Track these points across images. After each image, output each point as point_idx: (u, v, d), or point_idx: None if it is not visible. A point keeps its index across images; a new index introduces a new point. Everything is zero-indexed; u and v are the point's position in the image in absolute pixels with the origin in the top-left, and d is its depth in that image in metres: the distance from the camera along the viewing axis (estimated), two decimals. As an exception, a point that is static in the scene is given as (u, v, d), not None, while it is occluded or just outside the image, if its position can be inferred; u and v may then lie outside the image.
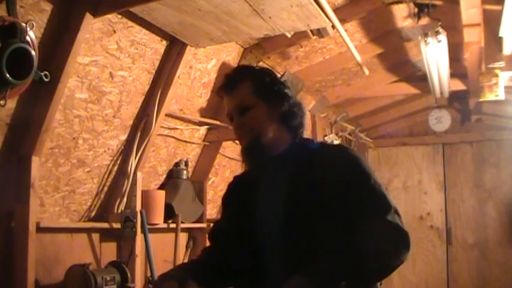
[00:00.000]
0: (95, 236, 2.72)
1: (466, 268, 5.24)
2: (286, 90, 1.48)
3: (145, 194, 2.92)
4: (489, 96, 3.90)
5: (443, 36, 3.26)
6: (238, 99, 1.46)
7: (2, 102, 1.83)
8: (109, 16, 2.24)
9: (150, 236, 2.85)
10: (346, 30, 3.06)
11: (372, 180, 1.36)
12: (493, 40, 3.25)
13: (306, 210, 1.32)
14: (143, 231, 2.80)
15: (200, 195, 3.48)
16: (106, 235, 2.77)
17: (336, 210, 1.30)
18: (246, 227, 1.41)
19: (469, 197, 5.37)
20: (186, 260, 3.47)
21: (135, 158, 2.77)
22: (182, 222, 3.19)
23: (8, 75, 1.78)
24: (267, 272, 1.35)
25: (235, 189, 1.60)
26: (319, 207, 1.31)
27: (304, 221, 1.31)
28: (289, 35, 2.82)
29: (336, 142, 4.36)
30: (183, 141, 3.24)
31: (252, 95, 1.45)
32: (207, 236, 1.73)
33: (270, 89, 1.47)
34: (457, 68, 4.06)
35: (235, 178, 1.63)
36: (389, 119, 5.54)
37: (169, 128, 3.06)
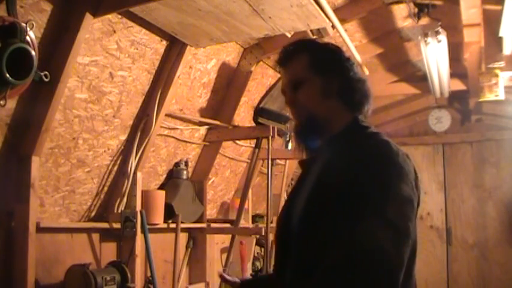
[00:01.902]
0: (95, 236, 2.72)
1: (466, 268, 5.23)
2: (346, 64, 1.33)
3: (145, 194, 2.92)
4: (489, 96, 3.90)
5: (443, 36, 3.26)
6: (291, 74, 1.33)
7: (2, 102, 1.83)
8: (109, 16, 2.24)
9: (150, 236, 2.85)
10: (346, 30, 3.07)
11: (378, 182, 1.11)
12: (493, 40, 3.26)
13: (320, 208, 1.18)
14: (143, 231, 2.80)
15: (200, 195, 3.48)
16: (106, 235, 2.77)
17: (342, 213, 1.11)
18: (281, 216, 1.34)
19: (469, 197, 5.36)
20: (186, 260, 3.47)
21: (135, 158, 2.77)
22: (182, 222, 3.19)
23: (8, 75, 1.78)
24: (279, 268, 1.28)
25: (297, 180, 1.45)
26: (327, 208, 1.15)
27: (312, 220, 1.19)
28: (289, 35, 2.82)
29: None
30: (183, 141, 3.24)
31: (307, 69, 1.31)
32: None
33: (328, 62, 1.32)
34: (457, 68, 4.06)
35: (299, 163, 1.45)
36: (389, 119, 5.53)
37: (169, 128, 3.06)
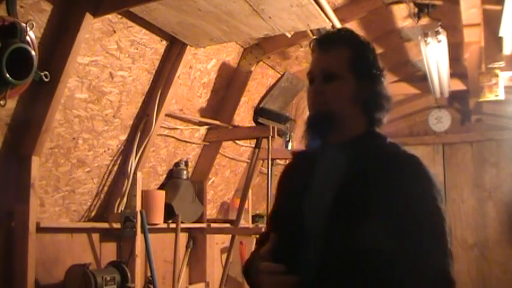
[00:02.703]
0: (95, 236, 2.72)
1: (466, 268, 5.23)
2: (381, 76, 1.29)
3: (145, 194, 2.92)
4: (489, 96, 3.90)
5: (443, 36, 3.26)
6: (328, 63, 1.26)
7: (2, 102, 1.83)
8: (109, 16, 2.24)
9: (150, 236, 2.85)
10: (346, 30, 3.06)
11: (438, 208, 1.16)
12: (493, 40, 3.26)
13: (354, 208, 1.16)
14: (143, 231, 2.80)
15: (200, 195, 3.48)
16: (106, 235, 2.77)
17: (386, 221, 1.12)
18: (291, 212, 1.28)
19: (469, 197, 5.36)
20: (186, 260, 3.47)
21: (135, 158, 2.77)
22: (182, 222, 3.19)
23: (8, 75, 1.78)
24: (300, 261, 1.23)
25: (291, 170, 1.43)
26: (370, 211, 1.15)
27: (348, 219, 1.16)
28: (289, 35, 2.82)
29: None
30: (183, 141, 3.24)
31: (346, 65, 1.25)
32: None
33: (368, 67, 1.27)
34: (457, 68, 4.06)
35: (295, 154, 1.47)
36: (389, 119, 5.51)
37: (169, 128, 3.06)
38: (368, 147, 1.25)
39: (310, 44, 1.33)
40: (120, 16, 2.31)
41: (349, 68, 1.25)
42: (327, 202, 1.20)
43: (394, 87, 4.56)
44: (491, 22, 2.99)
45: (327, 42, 1.29)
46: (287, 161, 4.02)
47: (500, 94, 3.86)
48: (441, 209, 1.17)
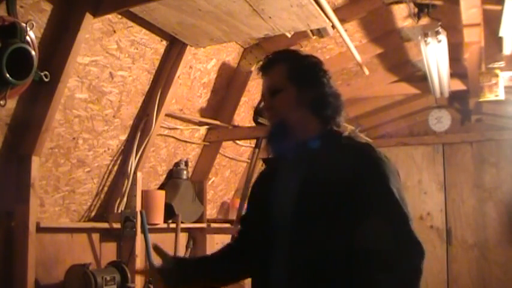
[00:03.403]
0: (95, 236, 2.72)
1: (466, 268, 5.23)
2: (322, 79, 1.44)
3: (145, 194, 2.92)
4: (489, 96, 3.90)
5: (443, 36, 3.26)
6: (270, 81, 1.45)
7: (2, 102, 1.83)
8: (109, 16, 2.24)
9: (150, 236, 2.85)
10: (346, 30, 3.06)
11: (389, 183, 1.28)
12: (493, 40, 3.25)
13: (315, 205, 1.29)
14: (143, 231, 2.80)
15: (200, 195, 3.48)
16: (106, 235, 2.77)
17: (344, 210, 1.26)
18: (262, 215, 1.42)
19: (469, 197, 5.36)
20: (186, 260, 3.47)
21: (135, 158, 2.77)
22: (182, 222, 3.19)
23: (8, 75, 1.78)
24: (271, 264, 1.34)
25: (263, 176, 1.58)
26: (328, 205, 1.28)
27: (311, 217, 1.29)
28: (289, 35, 2.81)
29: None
30: (183, 141, 3.24)
31: (284, 79, 1.42)
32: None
33: (304, 74, 1.43)
34: (457, 68, 4.06)
35: (264, 161, 1.61)
36: (389, 119, 5.53)
37: (169, 128, 3.06)
38: (322, 146, 1.37)
39: (258, 73, 1.51)
40: (120, 16, 2.31)
41: (287, 79, 1.42)
42: (289, 205, 1.33)
43: (394, 87, 4.56)
44: (491, 22, 2.99)
45: (266, 66, 1.47)
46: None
47: (500, 94, 3.85)
48: (392, 189, 1.27)
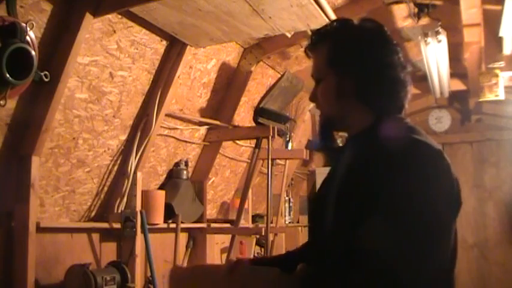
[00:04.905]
0: (95, 236, 2.72)
1: (466, 268, 5.23)
2: (374, 54, 1.14)
3: (145, 194, 2.92)
4: (489, 96, 3.90)
5: (443, 36, 3.26)
6: (313, 67, 1.21)
7: (2, 102, 1.83)
8: (109, 16, 2.24)
9: (150, 236, 2.85)
10: (346, 30, 3.06)
11: (407, 186, 1.01)
12: (493, 40, 3.26)
13: (351, 208, 1.08)
14: (143, 231, 2.80)
15: (200, 195, 3.48)
16: (106, 235, 2.77)
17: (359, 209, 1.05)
18: (310, 211, 1.39)
19: (469, 197, 5.36)
20: (186, 261, 3.47)
21: (135, 158, 2.77)
22: (182, 222, 3.19)
23: (8, 75, 1.78)
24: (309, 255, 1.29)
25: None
26: (360, 211, 1.05)
27: (346, 219, 1.09)
28: (289, 35, 2.82)
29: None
30: (183, 141, 3.24)
31: (324, 64, 1.18)
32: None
33: (348, 54, 1.15)
34: (457, 68, 4.06)
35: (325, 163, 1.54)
36: (389, 119, 5.53)
37: (169, 128, 3.06)
38: (367, 142, 1.15)
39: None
40: (120, 16, 2.31)
41: (327, 65, 1.17)
42: (329, 203, 1.17)
43: (394, 87, 4.56)
44: (491, 22, 3.00)
45: (310, 46, 1.23)
46: (287, 161, 4.00)
47: (500, 94, 3.86)
48: (413, 202, 1.01)
